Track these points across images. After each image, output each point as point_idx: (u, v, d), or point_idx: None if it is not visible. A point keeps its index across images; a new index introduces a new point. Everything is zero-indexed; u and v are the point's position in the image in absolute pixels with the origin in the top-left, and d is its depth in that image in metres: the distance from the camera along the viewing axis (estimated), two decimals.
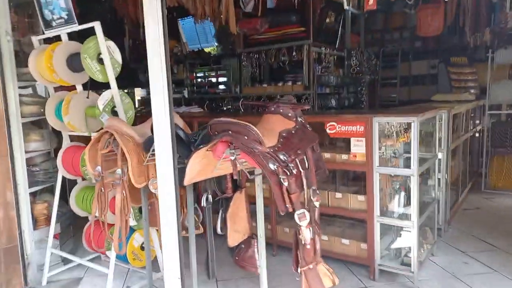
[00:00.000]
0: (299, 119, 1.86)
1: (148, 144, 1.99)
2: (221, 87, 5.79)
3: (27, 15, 3.71)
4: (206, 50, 6.24)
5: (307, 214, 1.56)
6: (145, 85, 6.71)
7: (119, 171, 2.07)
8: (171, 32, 6.42)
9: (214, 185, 1.97)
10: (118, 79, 2.44)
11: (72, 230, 3.43)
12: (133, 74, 6.34)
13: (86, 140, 2.85)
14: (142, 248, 2.74)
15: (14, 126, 2.68)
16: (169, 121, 1.66)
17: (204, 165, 1.81)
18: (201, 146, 1.75)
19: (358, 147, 2.49)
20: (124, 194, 2.08)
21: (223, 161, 1.86)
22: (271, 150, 1.59)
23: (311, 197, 1.67)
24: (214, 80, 5.88)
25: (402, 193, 2.52)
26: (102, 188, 2.16)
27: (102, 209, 2.18)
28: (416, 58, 7.31)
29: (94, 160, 2.20)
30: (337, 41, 5.21)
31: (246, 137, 1.56)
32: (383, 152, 2.44)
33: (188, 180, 1.74)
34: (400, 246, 2.56)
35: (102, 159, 2.14)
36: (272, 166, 1.53)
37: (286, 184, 1.52)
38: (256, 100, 4.47)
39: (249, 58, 5.24)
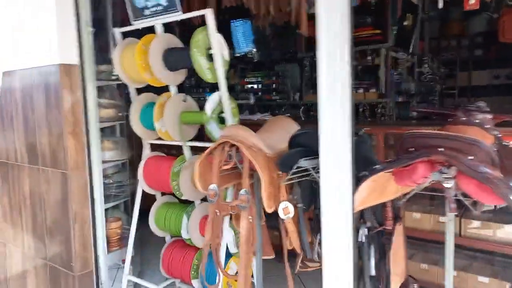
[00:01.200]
0: (495, 133, 1.44)
1: (287, 160, 1.58)
2: (278, 93, 5.38)
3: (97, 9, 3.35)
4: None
5: None
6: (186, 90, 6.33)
7: (244, 191, 1.66)
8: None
9: (373, 215, 1.55)
10: None
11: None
12: None
13: (166, 149, 2.49)
14: (234, 279, 2.32)
15: (93, 132, 2.30)
16: (349, 137, 1.24)
17: (371, 190, 1.40)
18: (379, 166, 1.34)
19: None
20: (251, 221, 1.66)
21: (387, 184, 1.45)
22: None
23: None
24: (272, 86, 5.47)
25: None
26: (218, 211, 1.75)
27: (216, 236, 1.77)
28: (477, 68, 6.84)
29: (205, 176, 1.80)
30: (411, 46, 4.77)
31: (470, 157, 1.14)
32: None
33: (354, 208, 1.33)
34: None
35: (219, 176, 1.75)
36: None
37: None
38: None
39: (312, 62, 4.83)
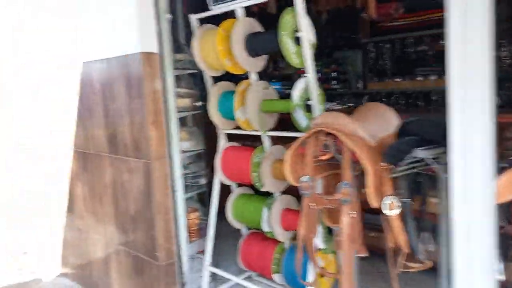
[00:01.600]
0: None
1: (399, 150, 1.44)
2: (338, 82, 5.17)
3: None
4: None
5: None
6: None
7: (347, 184, 1.54)
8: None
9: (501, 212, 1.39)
10: None
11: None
12: None
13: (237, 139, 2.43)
14: (321, 275, 2.22)
15: (173, 121, 2.28)
16: (491, 122, 1.08)
17: (509, 184, 1.24)
18: None
19: None
20: (354, 216, 1.54)
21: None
22: None
23: None
24: (331, 74, 5.27)
25: None
26: (313, 204, 1.65)
27: (310, 230, 1.67)
28: None
29: (295, 167, 1.70)
30: None
31: None
32: None
33: None
34: None
35: (313, 168, 1.64)
36: None
37: None
38: None
39: (378, 48, 4.58)
